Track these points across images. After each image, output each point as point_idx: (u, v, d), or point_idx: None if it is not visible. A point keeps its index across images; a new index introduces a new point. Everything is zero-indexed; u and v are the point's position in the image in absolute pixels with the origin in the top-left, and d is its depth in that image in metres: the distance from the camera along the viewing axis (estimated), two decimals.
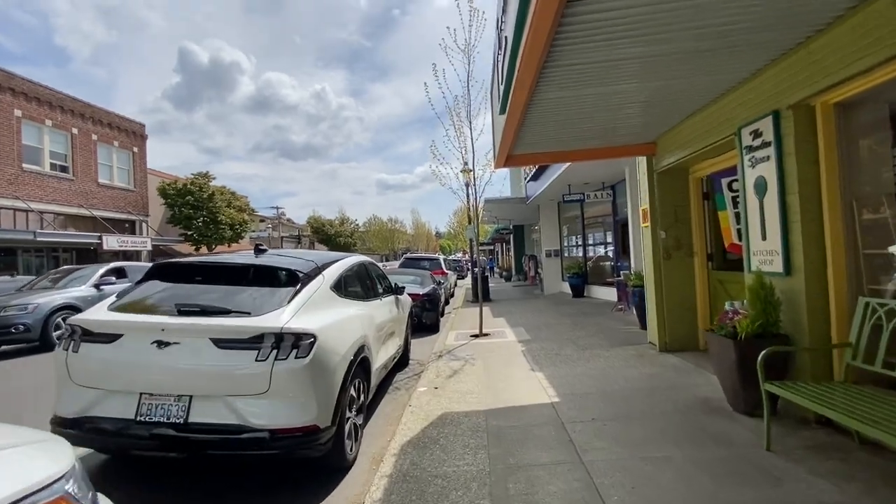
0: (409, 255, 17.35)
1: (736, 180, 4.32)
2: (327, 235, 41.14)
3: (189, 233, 22.61)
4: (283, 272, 3.22)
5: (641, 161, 6.11)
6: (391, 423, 4.26)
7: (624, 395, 4.33)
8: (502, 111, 4.13)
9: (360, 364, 3.56)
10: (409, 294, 9.26)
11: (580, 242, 14.22)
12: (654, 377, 4.80)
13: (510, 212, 19.42)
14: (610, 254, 12.45)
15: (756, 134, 3.82)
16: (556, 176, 10.69)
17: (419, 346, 8.14)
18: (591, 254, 13.78)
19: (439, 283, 11.68)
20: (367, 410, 4.51)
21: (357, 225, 47.12)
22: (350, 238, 43.81)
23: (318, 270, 3.47)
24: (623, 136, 5.47)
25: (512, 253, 28.08)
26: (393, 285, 5.82)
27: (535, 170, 12.61)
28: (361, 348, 3.59)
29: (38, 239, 15.61)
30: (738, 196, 4.30)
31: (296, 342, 2.74)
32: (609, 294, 12.33)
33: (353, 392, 3.33)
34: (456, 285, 20.90)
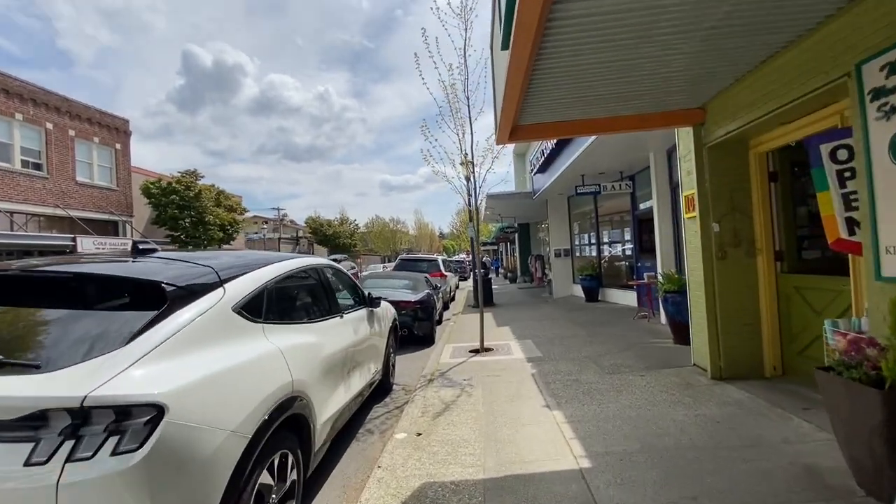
0: (404, 255, 16.02)
1: (843, 146, 2.99)
2: (325, 236, 39.90)
3: (176, 234, 21.43)
4: (136, 287, 1.93)
5: (686, 134, 4.78)
6: (348, 497, 2.97)
7: (684, 456, 3.00)
8: (505, 44, 2.83)
9: (286, 427, 2.27)
10: (398, 302, 7.98)
11: (593, 241, 12.88)
12: (718, 424, 3.46)
13: (515, 208, 18.09)
14: (628, 253, 11.11)
15: (894, 68, 2.50)
16: (567, 164, 9.37)
17: (408, 364, 6.85)
18: (605, 253, 12.43)
19: (436, 288, 10.39)
20: (321, 469, 3.24)
21: (357, 225, 45.81)
22: (350, 239, 42.55)
23: (212, 284, 2.16)
24: (660, 98, 4.15)
25: (517, 253, 26.72)
26: (366, 296, 4.53)
27: (541, 161, 11.30)
28: (290, 402, 2.30)
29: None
30: (847, 168, 2.96)
31: (117, 424, 1.45)
32: (628, 298, 10.98)
33: (267, 480, 2.04)
34: (458, 287, 19.58)
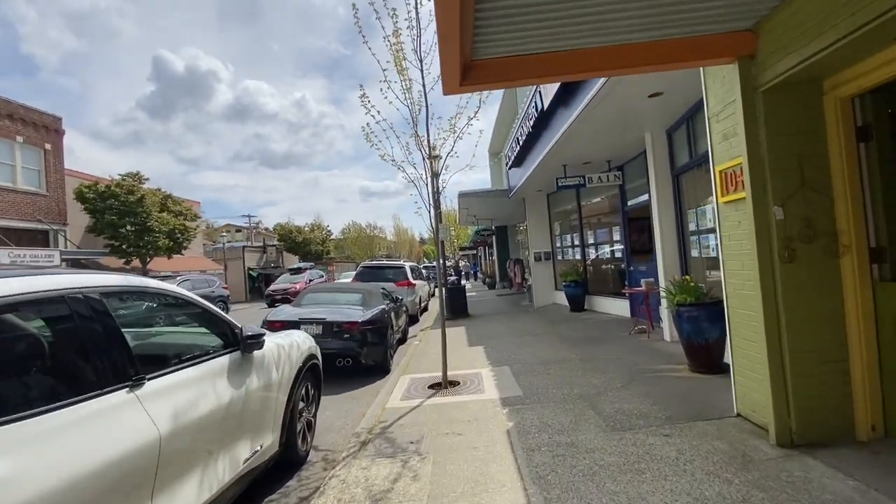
0: (366, 263, 14.22)
1: None
2: (295, 243, 37.69)
3: (116, 243, 19.19)
4: None
5: (720, 78, 3.28)
6: None
7: None
8: None
9: None
10: (340, 324, 6.28)
11: (577, 242, 11.44)
12: None
13: (491, 209, 16.60)
14: (618, 255, 9.67)
15: None
16: (546, 151, 7.86)
17: (347, 407, 5.18)
18: (591, 256, 10.99)
19: (397, 301, 8.73)
20: None
21: (329, 231, 43.66)
22: (322, 246, 40.39)
23: None
24: (687, 15, 2.64)
25: (495, 257, 25.27)
26: (238, 334, 2.83)
27: (517, 151, 9.81)
28: None
29: None
30: None
31: None
32: (618, 308, 9.53)
33: None
34: (432, 296, 17.90)
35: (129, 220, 19.31)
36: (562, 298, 12.17)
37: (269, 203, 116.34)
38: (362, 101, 5.33)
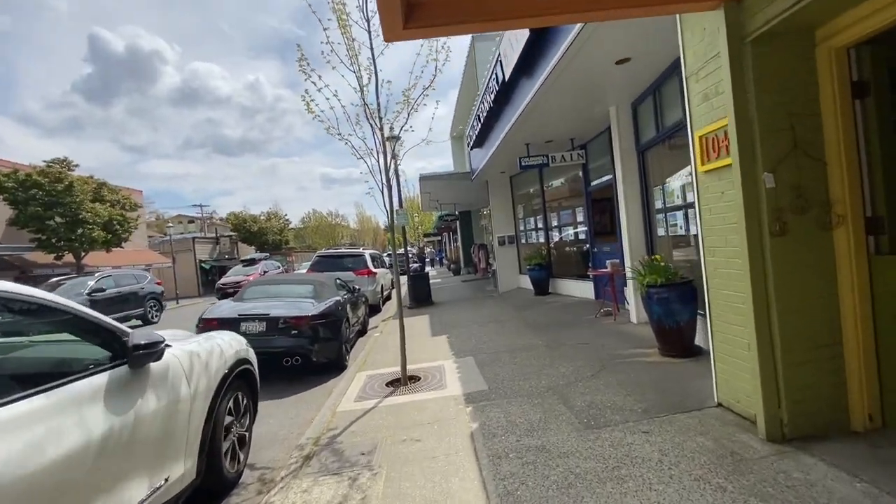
0: (322, 252, 13.40)
1: None
2: (251, 233, 35.90)
3: (43, 237, 17.42)
4: None
5: (700, 30, 2.90)
6: None
7: None
8: None
9: None
10: (287, 319, 5.68)
11: (541, 225, 11.16)
12: None
13: (454, 193, 16.12)
14: (582, 237, 9.45)
15: None
16: (508, 128, 7.42)
17: (295, 412, 4.64)
18: (555, 239, 10.75)
19: (354, 291, 8.15)
20: None
21: (288, 220, 41.88)
22: (279, 235, 38.71)
23: None
24: None
25: (459, 242, 24.92)
26: (120, 341, 2.22)
27: (478, 130, 9.33)
28: None
29: None
30: None
31: None
32: (583, 290, 9.34)
33: None
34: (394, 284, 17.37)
35: (57, 211, 17.55)
36: (527, 282, 11.93)
37: (224, 192, 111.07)
38: (301, 67, 4.68)
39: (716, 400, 3.22)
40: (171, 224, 27.96)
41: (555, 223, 10.57)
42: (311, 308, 5.92)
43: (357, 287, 8.37)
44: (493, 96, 7.23)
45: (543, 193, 10.89)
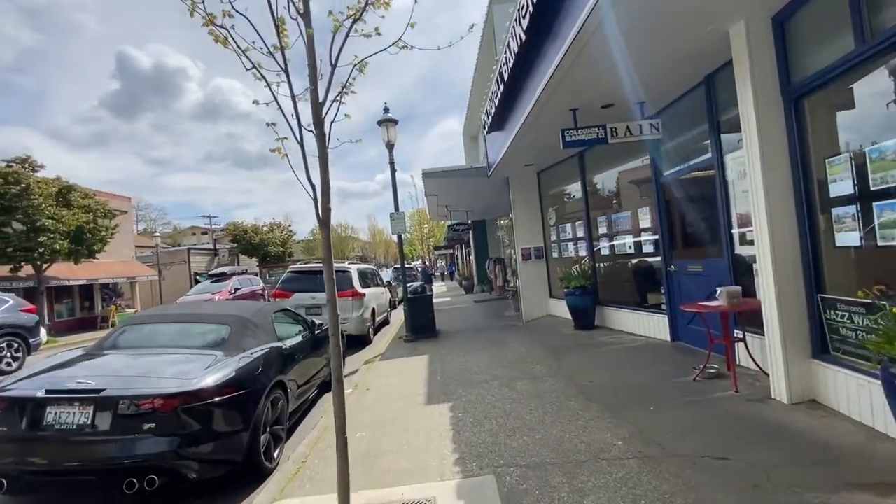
0: (295, 267, 10.43)
1: None
2: (251, 244, 33.65)
3: None
4: None
5: None
6: None
7: None
8: None
9: None
10: (139, 399, 2.95)
11: (582, 233, 8.37)
12: None
13: (465, 196, 13.43)
14: (649, 248, 6.62)
15: None
16: (547, 80, 4.70)
17: None
18: (605, 251, 7.92)
19: (311, 329, 5.47)
20: None
21: (292, 231, 39.48)
22: (282, 247, 36.37)
23: None
24: None
25: (472, 256, 22.17)
26: None
27: (497, 101, 6.67)
28: None
29: None
30: None
31: None
32: (649, 326, 6.50)
33: None
34: (393, 306, 14.53)
35: (15, 217, 15.34)
36: (559, 309, 9.11)
37: (244, 205, 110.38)
38: None
39: None
40: (157, 233, 25.78)
41: (603, 230, 7.76)
42: (196, 375, 3.21)
43: (316, 323, 5.64)
44: (525, 24, 4.54)
45: (586, 190, 8.12)
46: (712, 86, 4.88)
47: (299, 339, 4.99)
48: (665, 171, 5.98)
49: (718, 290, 4.23)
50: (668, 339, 6.13)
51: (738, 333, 4.44)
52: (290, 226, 39.34)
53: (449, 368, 6.20)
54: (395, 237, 9.96)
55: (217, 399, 3.18)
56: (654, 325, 6.44)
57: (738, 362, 4.58)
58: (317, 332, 5.51)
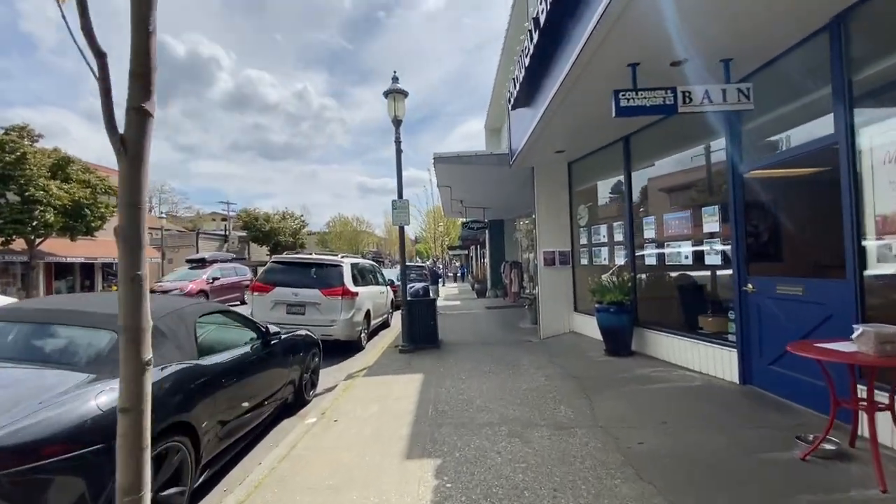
0: (278, 258, 9.02)
1: None
2: (262, 233, 32.86)
3: None
4: None
5: None
6: None
7: None
8: None
9: None
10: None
11: (621, 237, 6.89)
12: None
13: (482, 190, 12.02)
14: (714, 260, 5.11)
15: None
16: (596, 21, 3.28)
17: None
18: (650, 259, 6.41)
19: (266, 339, 4.14)
20: None
21: (304, 222, 38.62)
22: (293, 238, 35.50)
23: None
24: None
25: (487, 258, 20.75)
26: None
27: (527, 63, 5.26)
28: None
29: None
30: None
31: None
32: (708, 361, 4.99)
33: None
34: (396, 307, 13.19)
35: (10, 187, 14.57)
36: (585, 326, 7.63)
37: (265, 195, 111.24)
38: None
39: None
40: (164, 216, 25.07)
41: (650, 234, 6.26)
42: (15, 415, 1.90)
43: (272, 331, 4.28)
44: None
45: (630, 184, 6.63)
46: (844, 30, 3.39)
47: (241, 352, 3.67)
48: (748, 158, 4.48)
49: (857, 328, 2.74)
50: (737, 380, 4.63)
51: (882, 397, 2.93)
52: (302, 216, 38.54)
53: (445, 397, 4.81)
54: (407, 230, 8.77)
55: (34, 464, 1.87)
56: (714, 360, 4.94)
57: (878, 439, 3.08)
58: (273, 341, 4.18)
